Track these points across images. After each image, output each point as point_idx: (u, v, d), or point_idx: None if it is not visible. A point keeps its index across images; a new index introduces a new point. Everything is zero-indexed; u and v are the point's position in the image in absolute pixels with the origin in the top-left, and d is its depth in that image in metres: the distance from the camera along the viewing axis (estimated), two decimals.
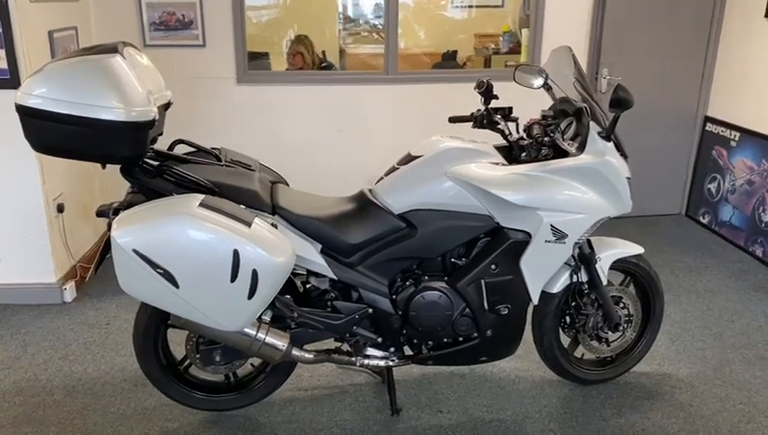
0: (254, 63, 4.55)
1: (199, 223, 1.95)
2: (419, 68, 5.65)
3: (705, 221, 4.79)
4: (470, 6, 6.80)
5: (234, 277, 1.99)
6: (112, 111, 1.95)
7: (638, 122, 4.64)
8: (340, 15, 6.60)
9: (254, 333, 2.28)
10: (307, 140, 4.50)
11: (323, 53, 5.54)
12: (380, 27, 5.09)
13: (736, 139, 4.46)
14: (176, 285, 1.97)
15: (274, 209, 2.31)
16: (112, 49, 2.05)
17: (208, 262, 1.97)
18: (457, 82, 4.55)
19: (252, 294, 2.02)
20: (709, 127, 4.75)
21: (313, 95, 4.44)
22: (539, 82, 2.45)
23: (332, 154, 4.55)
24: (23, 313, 3.43)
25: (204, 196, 2.06)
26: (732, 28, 4.54)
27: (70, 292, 3.58)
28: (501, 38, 5.90)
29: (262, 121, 4.42)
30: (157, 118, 2.07)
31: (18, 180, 3.34)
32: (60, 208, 3.54)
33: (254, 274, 2.00)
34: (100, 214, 2.19)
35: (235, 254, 1.97)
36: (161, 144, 2.34)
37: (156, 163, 2.19)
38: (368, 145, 4.56)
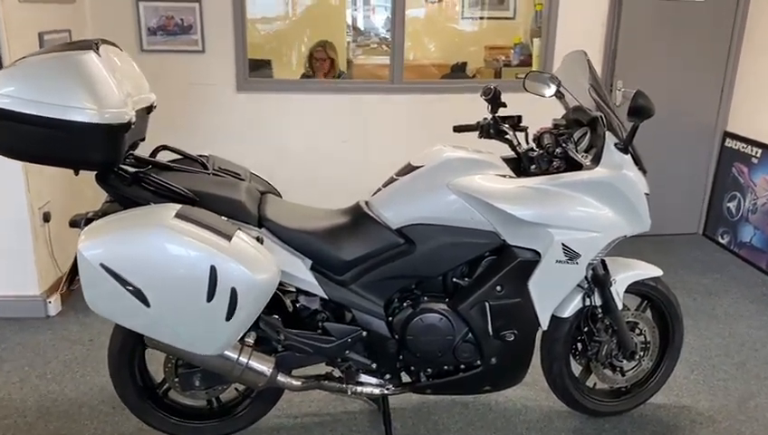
0: (255, 71, 4.40)
1: (173, 235, 1.77)
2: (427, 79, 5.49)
3: (723, 241, 4.57)
4: (481, 18, 6.67)
5: (210, 296, 1.80)
6: (84, 112, 1.78)
7: (654, 137, 4.43)
8: (349, 27, 6.50)
9: (236, 356, 2.09)
10: (308, 151, 4.34)
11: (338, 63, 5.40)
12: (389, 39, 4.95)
13: (758, 155, 4.25)
14: (146, 303, 1.79)
15: (261, 222, 2.13)
16: (87, 46, 1.89)
17: (182, 279, 1.78)
18: (465, 93, 4.37)
19: (230, 314, 1.83)
20: (729, 143, 4.54)
21: (316, 104, 4.28)
22: (551, 90, 2.27)
23: (334, 165, 4.38)
24: (3, 326, 3.26)
25: (181, 206, 1.88)
26: (754, 39, 4.35)
27: (54, 305, 3.41)
28: (512, 50, 5.75)
29: (261, 130, 4.26)
30: (133, 120, 1.90)
31: (1, 187, 3.18)
32: (46, 217, 3.38)
33: (233, 292, 1.81)
34: (73, 224, 2.02)
35: (213, 270, 1.79)
36: (146, 151, 2.19)
37: (133, 170, 2.02)
38: (371, 157, 4.39)
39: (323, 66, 4.76)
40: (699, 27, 4.39)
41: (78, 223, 1.99)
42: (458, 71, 5.87)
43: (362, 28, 6.68)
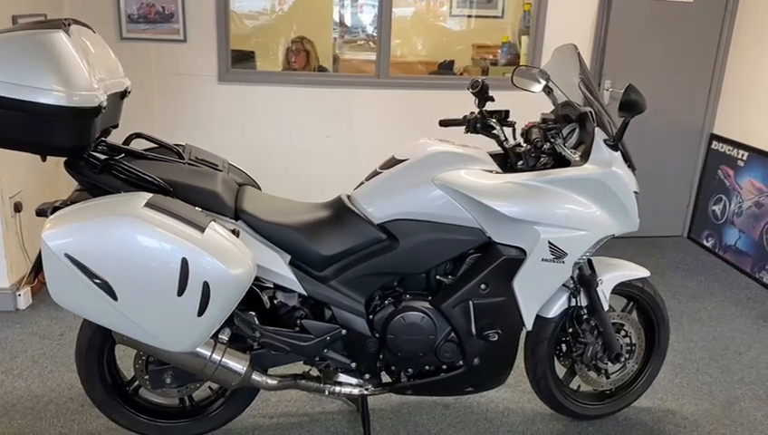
0: (238, 63, 4.30)
1: (143, 226, 1.68)
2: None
3: (708, 244, 4.55)
4: (469, 17, 6.63)
5: (181, 290, 1.72)
6: (51, 94, 1.68)
7: (640, 138, 4.41)
8: (336, 24, 6.42)
9: (209, 353, 2.01)
10: (291, 146, 4.25)
11: (317, 58, 5.33)
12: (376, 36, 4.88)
13: (744, 158, 4.23)
14: (114, 296, 1.70)
15: (238, 214, 2.04)
16: (56, 25, 1.79)
17: (152, 271, 1.70)
18: (452, 90, 4.32)
19: (202, 310, 1.75)
20: (715, 145, 4.52)
21: (300, 98, 4.19)
22: (540, 85, 2.21)
23: (318, 161, 4.30)
24: None
25: (152, 195, 1.80)
26: (742, 42, 4.33)
27: (24, 298, 3.30)
28: (500, 49, 5.71)
29: (243, 123, 4.17)
30: (104, 105, 1.81)
31: None
32: (17, 208, 3.26)
33: (206, 287, 1.73)
34: (39, 213, 1.92)
35: (184, 263, 1.70)
36: (119, 138, 2.10)
37: (103, 157, 1.92)
38: (356, 153, 4.31)
39: (299, 59, 4.68)
40: (688, 28, 4.37)
41: (45, 212, 1.89)
42: (445, 69, 5.82)
43: (349, 25, 6.61)
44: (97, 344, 2.16)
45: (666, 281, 4.00)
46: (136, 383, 2.27)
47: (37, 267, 1.92)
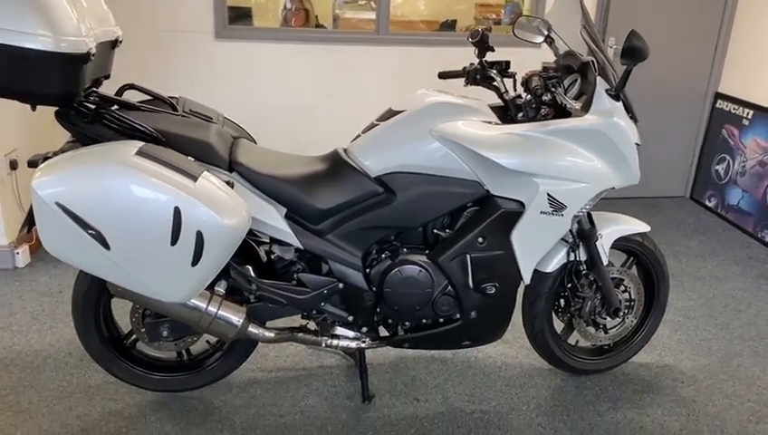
0: (234, 21, 4.21)
1: (134, 174, 1.66)
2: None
3: (710, 205, 4.52)
4: None
5: (174, 240, 1.70)
6: (37, 39, 1.64)
7: (643, 97, 4.33)
8: None
9: (205, 305, 2.00)
10: (290, 104, 4.19)
11: (316, 17, 5.23)
12: None
13: (749, 117, 4.16)
14: (106, 246, 1.68)
15: (232, 166, 2.01)
16: None
17: (144, 220, 1.67)
18: (452, 46, 4.24)
19: (196, 260, 1.73)
20: (720, 104, 4.45)
21: (299, 55, 4.12)
22: (541, 36, 2.15)
23: (316, 119, 4.25)
24: None
25: (143, 143, 1.76)
26: None
27: (23, 256, 3.30)
28: (503, 9, 5.61)
29: (240, 81, 4.10)
30: (93, 52, 1.77)
31: None
32: (13, 165, 3.24)
33: (199, 236, 1.71)
34: (31, 164, 1.89)
35: (177, 212, 1.68)
36: (111, 90, 2.06)
37: (94, 106, 1.88)
38: (354, 110, 4.25)
39: (298, 18, 4.60)
40: None
41: (36, 163, 1.86)
42: (448, 28, 5.73)
43: None
44: (93, 298, 2.15)
45: (667, 240, 3.98)
46: (133, 337, 2.27)
47: (31, 219, 1.91)
